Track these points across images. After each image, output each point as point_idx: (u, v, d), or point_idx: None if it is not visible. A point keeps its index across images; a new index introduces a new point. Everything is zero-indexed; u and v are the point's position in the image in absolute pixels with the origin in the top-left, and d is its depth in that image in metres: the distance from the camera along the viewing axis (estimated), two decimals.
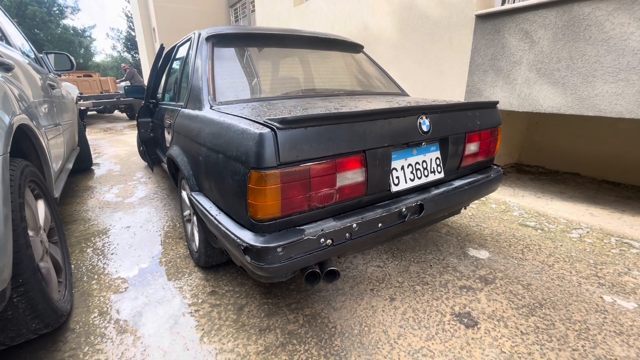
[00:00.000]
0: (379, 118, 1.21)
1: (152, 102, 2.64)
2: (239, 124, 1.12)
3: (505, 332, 1.33)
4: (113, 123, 8.70)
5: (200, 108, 1.54)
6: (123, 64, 8.15)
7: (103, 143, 5.88)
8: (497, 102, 1.70)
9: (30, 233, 1.29)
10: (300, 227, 1.10)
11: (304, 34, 2.08)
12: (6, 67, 1.47)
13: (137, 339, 1.32)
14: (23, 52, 2.15)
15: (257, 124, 1.05)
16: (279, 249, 1.02)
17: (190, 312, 1.47)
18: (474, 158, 1.67)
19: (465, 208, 1.90)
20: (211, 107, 1.48)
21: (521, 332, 1.33)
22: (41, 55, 2.79)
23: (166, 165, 2.19)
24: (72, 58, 2.99)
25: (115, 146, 5.54)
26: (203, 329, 1.37)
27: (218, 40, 1.80)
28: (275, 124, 0.99)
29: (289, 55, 2.01)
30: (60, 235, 1.66)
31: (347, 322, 1.40)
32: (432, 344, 1.28)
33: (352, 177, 1.17)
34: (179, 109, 1.82)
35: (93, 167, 4.11)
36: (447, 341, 1.29)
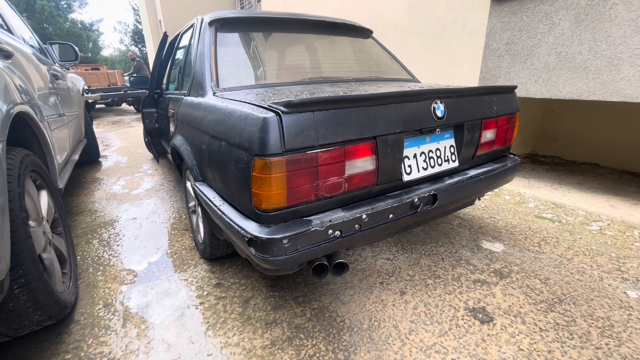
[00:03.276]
0: (391, 102, 1.14)
1: (156, 92, 2.60)
2: (242, 109, 1.06)
3: (522, 329, 1.26)
4: (121, 116, 8.74)
5: (202, 95, 1.49)
6: (130, 52, 8.13)
7: (111, 136, 5.90)
8: (515, 87, 1.60)
9: (32, 224, 1.27)
10: (307, 218, 1.04)
11: (310, 18, 2.00)
12: (5, 54, 1.43)
13: (141, 332, 1.29)
14: (26, 42, 2.12)
15: (261, 109, 0.99)
16: (284, 241, 0.97)
17: (195, 305, 1.44)
18: (490, 146, 1.59)
19: (479, 199, 1.82)
20: (214, 93, 1.43)
21: (540, 328, 1.27)
22: (45, 46, 2.76)
23: (171, 156, 2.15)
24: (77, 48, 2.96)
25: (123, 139, 5.55)
26: (208, 322, 1.33)
27: (221, 24, 1.73)
28: (280, 107, 0.93)
29: (295, 41, 1.93)
30: (64, 226, 1.64)
31: (356, 316, 1.35)
32: (446, 339, 1.22)
33: (361, 165, 1.10)
34: (182, 97, 1.77)
35: (100, 159, 4.12)
36: (461, 337, 1.23)
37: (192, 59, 1.72)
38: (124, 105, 10.33)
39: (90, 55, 29.95)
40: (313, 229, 1.01)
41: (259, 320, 1.34)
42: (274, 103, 0.95)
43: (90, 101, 7.55)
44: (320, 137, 0.98)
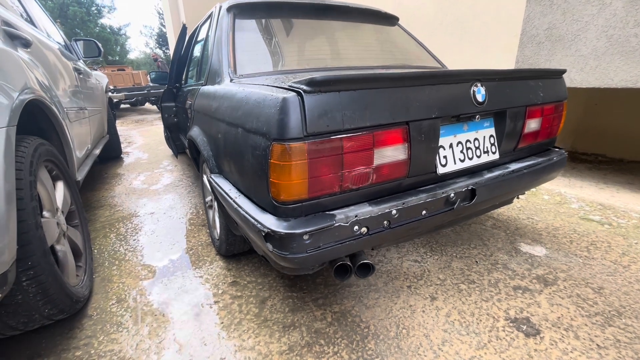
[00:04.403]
0: (427, 83, 1.01)
1: (175, 86, 2.57)
2: (260, 91, 0.97)
3: (577, 345, 1.10)
4: (144, 115, 8.98)
5: (219, 82, 1.41)
6: (153, 53, 8.35)
7: (134, 133, 6.04)
8: (564, 71, 1.42)
9: (46, 214, 1.23)
10: (331, 212, 0.93)
11: (333, 4, 1.89)
12: (24, 43, 1.41)
13: (152, 330, 1.23)
14: (50, 36, 2.13)
15: (281, 89, 0.89)
16: (305, 237, 0.86)
17: (210, 304, 1.36)
18: (534, 138, 1.42)
19: (518, 197, 1.64)
20: (231, 80, 1.34)
21: (597, 345, 1.09)
22: (71, 42, 2.80)
23: (188, 150, 2.10)
24: (100, 44, 2.99)
25: (145, 136, 5.66)
26: (222, 323, 1.25)
27: (240, 10, 1.65)
28: (302, 86, 0.82)
29: (317, 27, 1.83)
30: (81, 218, 1.61)
31: (381, 322, 1.23)
32: (485, 353, 1.08)
33: (392, 154, 0.98)
34: (199, 87, 1.71)
35: (122, 156, 4.19)
36: (504, 351, 1.08)
37: (209, 47, 1.65)
38: (147, 105, 10.64)
39: (117, 58, 31.23)
40: (337, 225, 0.89)
41: (276, 322, 1.25)
42: (295, 82, 0.85)
43: (115, 100, 7.79)
44: (346, 120, 0.86)
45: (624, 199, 2.20)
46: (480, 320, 1.22)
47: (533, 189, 2.48)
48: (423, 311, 1.28)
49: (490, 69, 1.15)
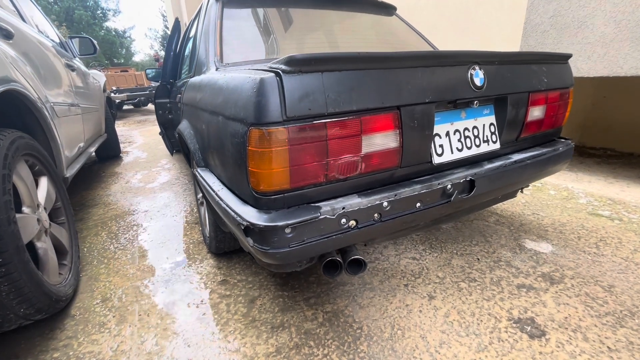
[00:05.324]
0: (420, 65, 0.93)
1: (170, 82, 2.52)
2: (239, 74, 0.90)
3: (585, 347, 1.02)
4: (146, 116, 8.99)
5: (205, 72, 1.35)
6: (155, 53, 8.38)
7: (135, 133, 6.03)
8: (569, 55, 1.34)
9: (26, 210, 1.18)
10: (316, 204, 0.87)
11: None
12: (5, 34, 1.37)
13: (135, 331, 1.17)
14: (41, 32, 2.10)
15: (259, 71, 0.82)
16: (287, 230, 0.80)
17: (197, 304, 1.30)
18: (538, 127, 1.34)
19: (522, 191, 1.56)
20: (217, 69, 1.29)
21: (608, 348, 1.01)
22: (65, 40, 2.78)
23: (180, 145, 2.05)
24: (95, 42, 2.96)
25: (146, 136, 5.64)
26: (208, 323, 1.19)
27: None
28: (280, 66, 0.76)
29: (310, 15, 1.76)
30: (67, 215, 1.57)
31: (375, 322, 1.16)
32: (486, 356, 1.00)
33: (382, 142, 0.91)
34: (188, 79, 1.65)
35: (121, 155, 4.17)
36: (506, 354, 1.00)
37: (197, 37, 1.59)
38: (150, 106, 10.68)
39: (123, 61, 31.50)
40: (322, 217, 0.83)
41: (265, 323, 1.18)
42: (274, 62, 0.79)
43: (117, 101, 7.82)
44: (330, 104, 0.80)
45: (635, 194, 2.10)
46: (481, 321, 1.14)
47: (538, 184, 2.38)
48: (420, 311, 1.20)
49: (489, 51, 1.08)
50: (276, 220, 0.80)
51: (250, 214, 0.83)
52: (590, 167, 2.66)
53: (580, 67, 2.12)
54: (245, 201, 0.91)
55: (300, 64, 0.75)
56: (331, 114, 0.80)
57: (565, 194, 2.20)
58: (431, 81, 0.96)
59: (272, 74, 0.76)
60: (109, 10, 30.42)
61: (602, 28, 1.98)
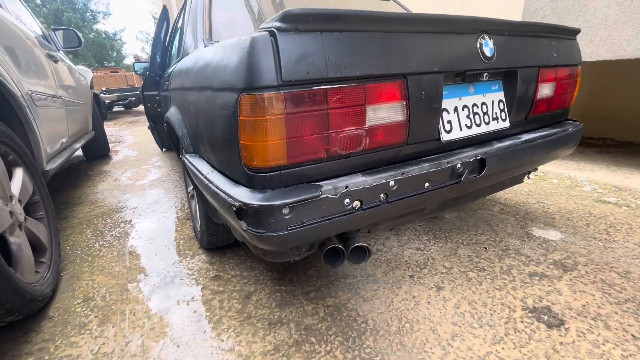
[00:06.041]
0: (427, 30, 0.86)
1: (159, 73, 2.42)
2: (228, 42, 0.82)
3: (608, 336, 0.94)
4: (137, 117, 8.81)
5: (194, 50, 1.26)
6: (134, 54, 8.23)
7: (125, 134, 5.88)
8: (578, 30, 1.28)
9: None
10: (316, 183, 0.78)
11: None
12: None
13: (119, 332, 1.07)
14: (20, 19, 1.98)
15: (252, 34, 0.74)
16: (284, 210, 0.71)
17: (187, 301, 1.20)
18: (547, 106, 1.27)
19: (528, 177, 1.49)
20: (205, 46, 1.19)
21: (633, 336, 0.94)
22: (48, 32, 2.65)
23: (168, 135, 1.95)
24: (80, 35, 2.84)
25: (136, 135, 5.50)
26: (199, 321, 1.09)
27: None
28: (275, 23, 0.67)
29: None
30: (47, 210, 1.45)
31: (381, 316, 1.07)
32: (503, 348, 0.92)
33: (388, 114, 0.83)
34: (176, 65, 1.56)
35: (111, 154, 4.03)
36: (524, 345, 0.93)
37: (185, 19, 1.50)
38: (141, 107, 10.46)
39: (114, 64, 31.05)
40: (323, 196, 0.74)
41: (261, 319, 1.09)
42: (267, 21, 0.70)
43: (107, 102, 7.64)
44: (331, 67, 0.71)
45: (639, 181, 2.05)
46: (495, 311, 1.06)
47: (540, 173, 2.33)
48: (428, 302, 1.12)
49: (499, 19, 1.01)
50: (272, 200, 0.71)
51: (243, 194, 0.74)
52: (591, 156, 2.62)
53: (582, 52, 2.06)
54: (237, 182, 0.82)
55: (296, 21, 0.67)
56: (332, 79, 0.72)
57: (569, 182, 2.14)
58: (440, 49, 0.88)
59: (266, 33, 0.67)
60: (99, 13, 29.97)
61: (604, 10, 1.94)
